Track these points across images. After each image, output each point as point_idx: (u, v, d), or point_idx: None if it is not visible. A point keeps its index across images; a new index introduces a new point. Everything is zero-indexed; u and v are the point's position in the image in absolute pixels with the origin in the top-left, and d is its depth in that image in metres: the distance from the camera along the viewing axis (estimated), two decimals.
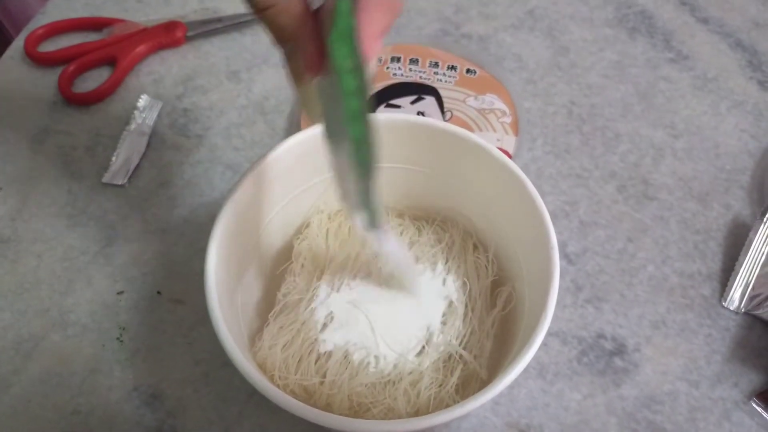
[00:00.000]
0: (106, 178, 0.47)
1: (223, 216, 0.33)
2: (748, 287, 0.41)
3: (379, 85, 0.51)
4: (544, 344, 0.40)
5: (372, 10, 0.24)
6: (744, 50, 0.55)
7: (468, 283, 0.37)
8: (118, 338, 0.41)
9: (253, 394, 0.38)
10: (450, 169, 0.38)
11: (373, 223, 0.30)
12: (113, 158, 0.48)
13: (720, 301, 0.42)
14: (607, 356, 0.40)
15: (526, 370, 0.39)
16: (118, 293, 0.43)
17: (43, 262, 0.44)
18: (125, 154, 0.48)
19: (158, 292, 0.42)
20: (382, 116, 0.37)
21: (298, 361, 0.33)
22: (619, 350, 0.40)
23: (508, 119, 0.49)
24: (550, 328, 0.40)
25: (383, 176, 0.39)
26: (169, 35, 0.54)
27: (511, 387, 0.39)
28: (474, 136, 0.36)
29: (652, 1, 0.58)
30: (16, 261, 0.44)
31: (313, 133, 0.36)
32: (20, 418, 0.38)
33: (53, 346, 0.41)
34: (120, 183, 0.47)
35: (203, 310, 0.43)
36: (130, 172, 0.47)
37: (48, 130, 0.50)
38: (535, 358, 0.40)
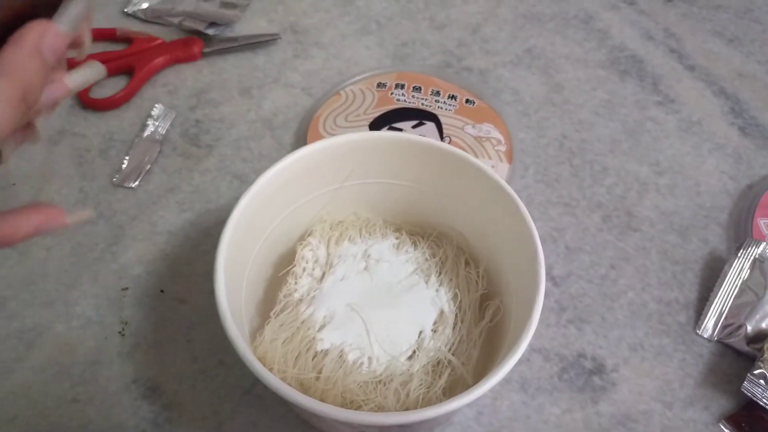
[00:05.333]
0: (117, 180, 0.49)
1: (233, 220, 0.35)
2: (721, 317, 0.44)
3: (383, 109, 0.54)
4: (527, 360, 0.42)
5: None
6: (727, 98, 0.58)
7: (459, 295, 0.39)
8: (120, 332, 0.42)
9: (246, 392, 0.40)
10: (447, 188, 0.41)
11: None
12: (125, 162, 0.50)
13: (695, 328, 0.44)
14: (586, 374, 0.42)
15: (509, 383, 0.41)
16: (122, 289, 0.44)
17: (52, 255, 0.46)
18: (137, 158, 0.50)
19: (161, 291, 0.44)
20: (388, 135, 0.39)
21: (296, 357, 0.35)
22: (598, 369, 0.42)
23: (502, 148, 0.52)
24: (533, 345, 0.43)
25: (385, 192, 0.42)
26: (186, 50, 0.57)
27: (494, 398, 0.41)
28: (473, 158, 0.38)
29: (642, 47, 0.62)
30: (25, 253, 0.46)
31: (318, 148, 0.39)
32: (19, 403, 0.40)
33: (56, 336, 0.42)
34: (130, 185, 0.49)
35: (204, 310, 0.44)
36: (140, 176, 0.49)
37: (64, 132, 0.53)
38: (519, 372, 0.42)
